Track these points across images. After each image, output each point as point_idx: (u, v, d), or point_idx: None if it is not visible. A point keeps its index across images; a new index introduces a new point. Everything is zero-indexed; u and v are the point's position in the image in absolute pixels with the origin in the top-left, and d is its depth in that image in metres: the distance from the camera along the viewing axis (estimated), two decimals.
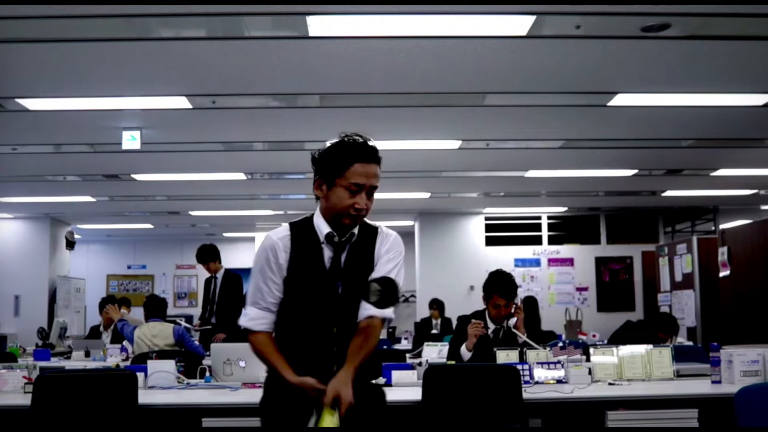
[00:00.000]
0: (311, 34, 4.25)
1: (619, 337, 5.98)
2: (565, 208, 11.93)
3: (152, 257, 15.65)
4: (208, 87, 5.33)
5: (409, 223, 12.61)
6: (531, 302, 9.43)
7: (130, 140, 6.31)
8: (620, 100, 5.70)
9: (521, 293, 9.52)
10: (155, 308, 6.38)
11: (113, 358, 6.35)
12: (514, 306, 4.65)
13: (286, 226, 2.55)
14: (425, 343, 6.48)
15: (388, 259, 2.52)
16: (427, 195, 10.38)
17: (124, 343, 6.64)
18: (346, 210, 2.43)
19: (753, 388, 3.10)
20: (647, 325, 6.40)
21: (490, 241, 12.03)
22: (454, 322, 5.00)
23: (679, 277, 9.71)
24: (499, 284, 4.59)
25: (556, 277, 11.97)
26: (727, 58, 4.87)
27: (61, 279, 12.25)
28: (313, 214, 2.54)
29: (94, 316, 10.45)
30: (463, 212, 12.00)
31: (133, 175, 8.66)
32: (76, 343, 7.72)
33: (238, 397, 3.98)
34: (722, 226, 9.93)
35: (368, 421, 2.46)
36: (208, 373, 4.59)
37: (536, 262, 11.99)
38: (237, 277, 7.48)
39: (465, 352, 4.56)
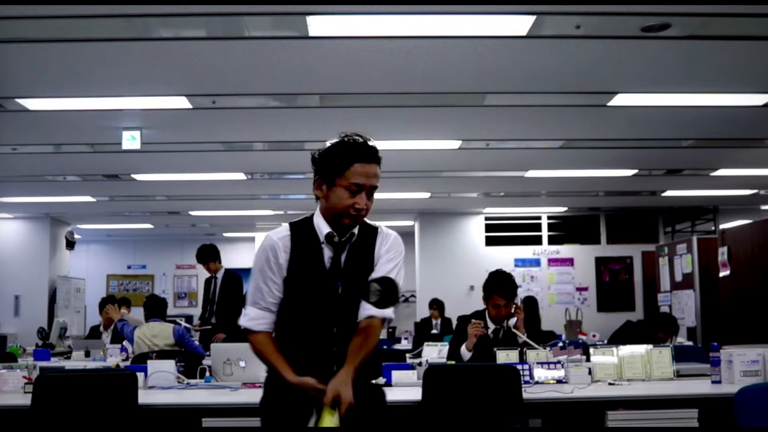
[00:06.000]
0: (311, 34, 4.25)
1: (619, 337, 5.97)
2: (565, 208, 11.93)
3: (152, 257, 15.64)
4: (208, 87, 5.33)
5: (409, 223, 12.61)
6: (531, 302, 9.43)
7: (130, 140, 6.31)
8: (620, 100, 5.70)
9: (521, 293, 9.51)
10: (155, 308, 6.37)
11: (113, 358, 6.35)
12: (514, 306, 4.65)
13: (286, 226, 2.55)
14: (425, 343, 6.47)
15: (388, 259, 2.52)
16: (427, 195, 10.38)
17: (124, 343, 6.64)
18: (346, 210, 2.43)
19: (753, 388, 3.10)
20: (647, 325, 6.39)
21: (490, 241, 12.03)
22: (454, 322, 4.99)
23: (679, 277, 9.70)
24: (499, 284, 4.59)
25: (556, 277, 11.97)
26: (727, 58, 4.87)
27: (61, 279, 12.25)
28: (313, 214, 2.54)
29: (94, 316, 10.45)
30: (463, 212, 12.00)
31: (133, 175, 8.66)
32: (76, 343, 7.72)
33: (238, 397, 3.98)
34: (722, 226, 9.93)
35: (368, 421, 2.46)
36: (208, 373, 4.58)
37: (536, 262, 11.99)
38: (237, 277, 7.48)
39: (465, 352, 4.55)
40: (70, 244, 12.77)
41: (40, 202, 10.59)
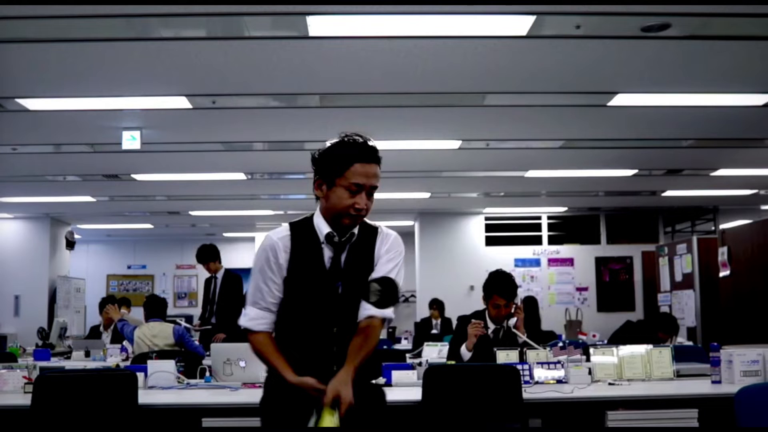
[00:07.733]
0: (311, 34, 4.25)
1: (619, 337, 5.97)
2: (565, 208, 11.93)
3: (152, 257, 15.64)
4: (208, 87, 5.33)
5: (409, 223, 12.61)
6: (531, 302, 9.43)
7: (130, 140, 6.31)
8: (620, 100, 5.70)
9: (521, 293, 9.51)
10: (155, 308, 6.37)
11: (113, 358, 6.35)
12: (514, 306, 4.65)
13: (286, 226, 2.55)
14: (425, 343, 6.47)
15: (388, 259, 2.52)
16: (427, 195, 10.38)
17: (124, 343, 6.64)
18: (346, 210, 2.43)
19: (753, 388, 3.10)
20: (647, 325, 6.39)
21: (490, 241, 12.03)
22: (454, 322, 5.00)
23: (679, 277, 9.70)
24: (499, 284, 4.59)
25: (556, 277, 11.97)
26: (727, 58, 4.87)
27: (61, 279, 12.25)
28: (313, 214, 2.54)
29: (94, 316, 10.45)
30: (463, 212, 12.00)
31: (133, 175, 8.66)
32: (76, 343, 7.72)
33: (238, 397, 3.98)
34: (722, 226, 9.93)
35: (368, 421, 2.46)
36: (208, 373, 4.58)
37: (536, 262, 11.99)
38: (237, 277, 7.48)
39: (465, 352, 4.55)
40: (70, 244, 12.77)
41: (40, 202, 10.59)
